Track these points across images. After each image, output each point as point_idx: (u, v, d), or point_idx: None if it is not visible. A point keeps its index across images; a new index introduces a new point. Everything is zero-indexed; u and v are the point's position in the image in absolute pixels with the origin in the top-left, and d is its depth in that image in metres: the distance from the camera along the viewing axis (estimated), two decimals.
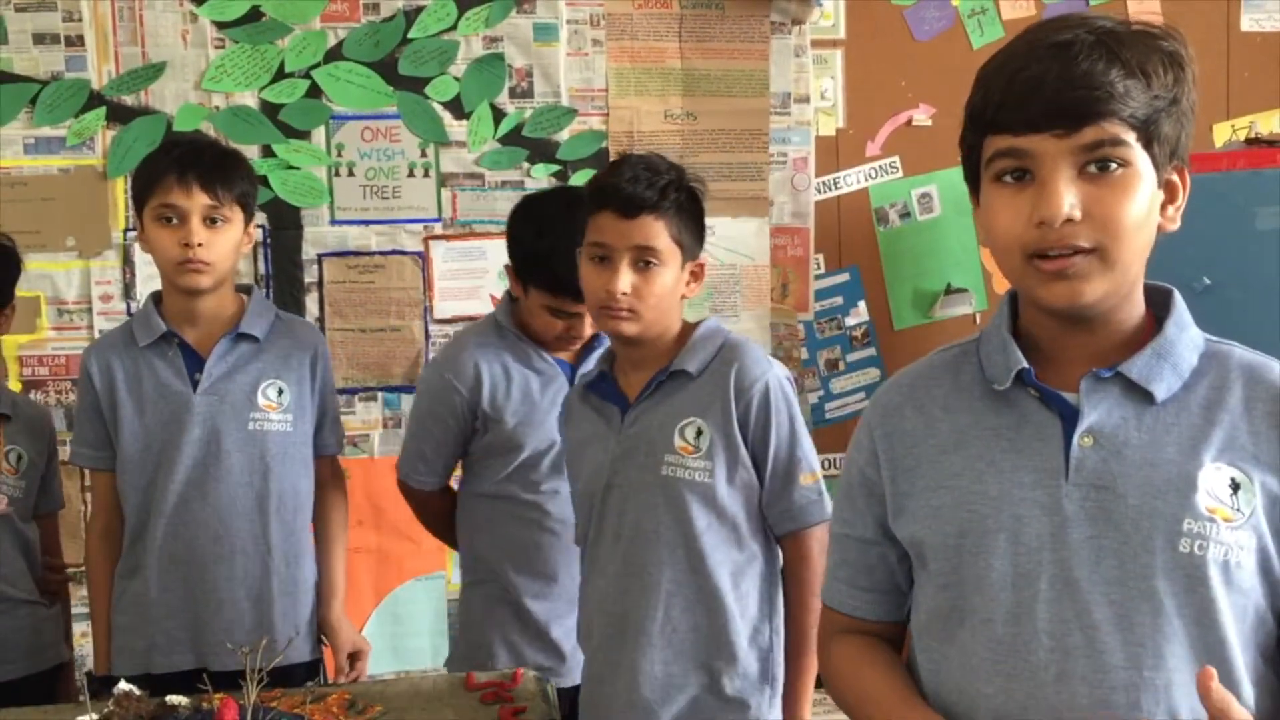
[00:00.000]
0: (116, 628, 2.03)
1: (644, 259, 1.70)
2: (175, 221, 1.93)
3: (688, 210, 1.74)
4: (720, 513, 1.72)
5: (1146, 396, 1.08)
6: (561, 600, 2.07)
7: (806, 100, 3.18)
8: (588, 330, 2.05)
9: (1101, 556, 1.05)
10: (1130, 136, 1.03)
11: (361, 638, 2.14)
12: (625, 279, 1.69)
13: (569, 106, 3.04)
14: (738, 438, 1.71)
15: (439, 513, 2.23)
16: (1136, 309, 1.12)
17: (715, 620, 1.73)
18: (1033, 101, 1.03)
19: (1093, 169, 1.03)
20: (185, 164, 1.93)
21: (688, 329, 1.79)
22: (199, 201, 1.92)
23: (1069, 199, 1.02)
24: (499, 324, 2.11)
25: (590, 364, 2.00)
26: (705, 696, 1.74)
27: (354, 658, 2.09)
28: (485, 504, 2.13)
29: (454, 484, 2.24)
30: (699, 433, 1.71)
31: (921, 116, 3.38)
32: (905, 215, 3.40)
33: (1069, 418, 1.09)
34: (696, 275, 1.79)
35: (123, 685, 1.63)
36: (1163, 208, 1.08)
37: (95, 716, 1.59)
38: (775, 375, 1.75)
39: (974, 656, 1.11)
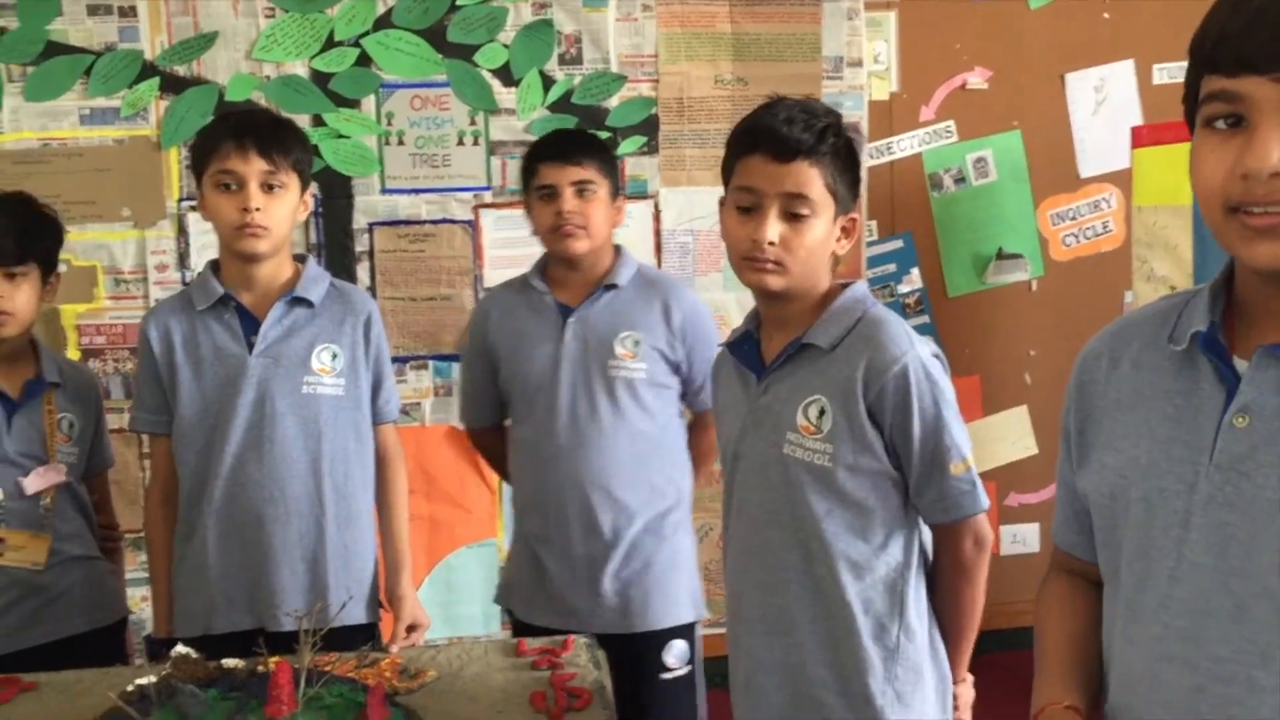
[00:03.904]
0: (176, 590, 2.06)
1: (795, 208, 1.55)
2: (234, 188, 1.96)
3: (844, 159, 1.59)
4: (842, 499, 1.56)
5: None
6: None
7: (859, 64, 3.13)
8: (572, 217, 2.16)
9: (1228, 544, 0.99)
10: None
11: (423, 612, 2.16)
12: (774, 228, 1.54)
13: (618, 73, 3.02)
14: (864, 422, 1.54)
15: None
16: None
17: (834, 612, 1.57)
18: (1251, 38, 0.92)
19: None
20: (242, 131, 1.96)
21: (832, 293, 1.62)
22: (256, 167, 1.95)
23: (1279, 151, 0.92)
24: (524, 274, 2.30)
25: (589, 307, 2.18)
26: (821, 691, 1.60)
27: (411, 629, 2.12)
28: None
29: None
30: (822, 413, 1.56)
31: (977, 80, 3.31)
32: (960, 180, 3.34)
33: (1234, 392, 1.01)
34: (848, 231, 1.62)
35: (180, 648, 1.66)
36: None
37: (153, 678, 1.61)
38: (916, 356, 1.55)
39: (1114, 615, 1.11)
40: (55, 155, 2.86)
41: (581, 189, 2.18)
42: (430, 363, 3.03)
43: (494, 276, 3.02)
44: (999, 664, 2.23)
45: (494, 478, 3.04)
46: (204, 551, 2.02)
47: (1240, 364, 1.02)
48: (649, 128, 3.04)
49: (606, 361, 2.19)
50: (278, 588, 2.01)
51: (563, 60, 3.00)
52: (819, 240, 1.57)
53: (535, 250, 3.05)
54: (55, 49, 2.84)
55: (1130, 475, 1.07)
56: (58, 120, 2.86)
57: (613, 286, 2.23)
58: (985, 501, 1.59)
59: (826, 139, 1.56)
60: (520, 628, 2.26)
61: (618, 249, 2.28)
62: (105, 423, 2.26)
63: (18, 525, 2.00)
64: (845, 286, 1.64)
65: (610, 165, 2.26)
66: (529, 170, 2.24)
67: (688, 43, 3.04)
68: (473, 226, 3.02)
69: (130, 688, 1.59)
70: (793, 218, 1.55)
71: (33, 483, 2.03)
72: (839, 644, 1.58)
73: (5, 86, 2.83)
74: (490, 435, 2.40)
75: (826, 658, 1.59)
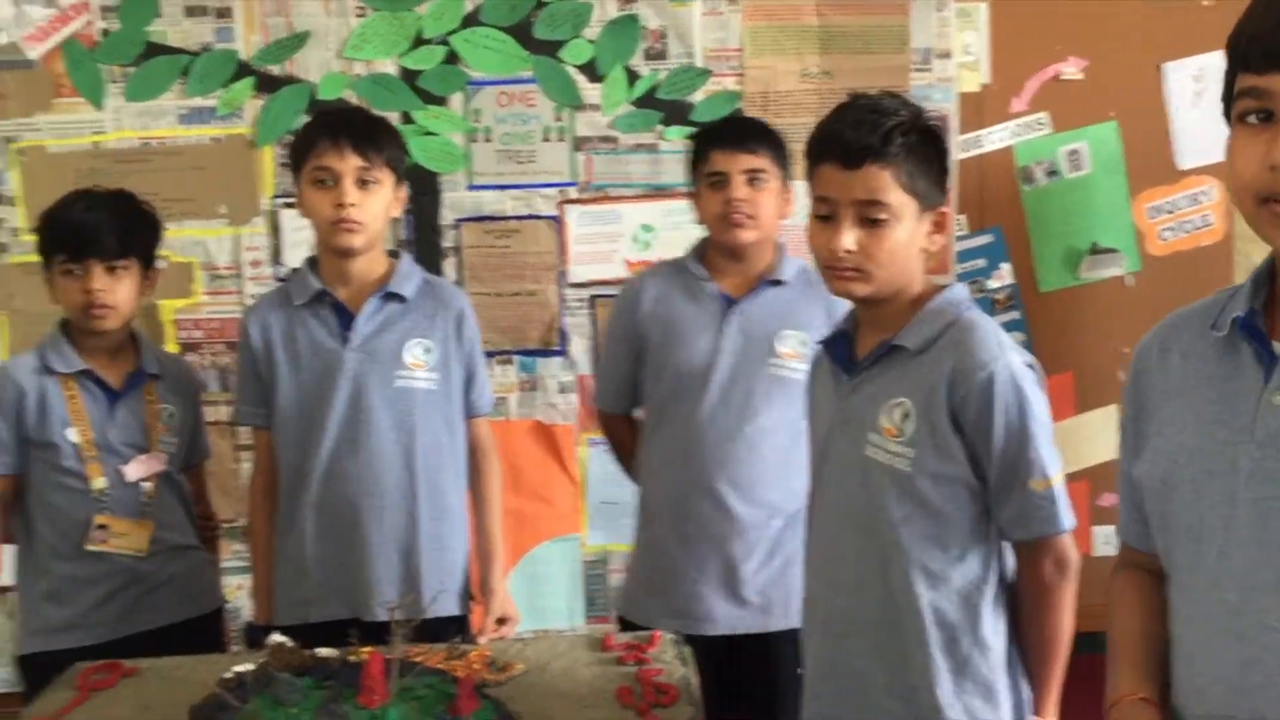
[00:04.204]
0: (277, 580, 2.11)
1: (870, 214, 1.52)
2: (329, 184, 2.00)
3: (922, 154, 1.54)
4: (922, 505, 1.52)
5: None
6: None
7: (949, 55, 3.08)
8: (741, 205, 2.11)
9: (1270, 518, 1.03)
10: None
11: (513, 606, 2.18)
12: (849, 236, 1.52)
13: (703, 67, 3.00)
14: (947, 429, 1.49)
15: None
16: None
17: (904, 619, 1.54)
18: (1277, 35, 0.98)
19: None
20: (338, 129, 2.01)
21: (927, 293, 1.59)
22: (351, 164, 1.99)
23: None
24: (681, 258, 2.26)
25: (753, 300, 2.13)
26: (883, 697, 1.56)
27: (501, 622, 2.14)
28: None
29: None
30: (905, 416, 1.52)
31: (1071, 70, 3.23)
32: (1052, 174, 3.26)
33: (1272, 373, 1.06)
34: (939, 225, 1.58)
35: (276, 637, 1.70)
36: None
37: (251, 665, 1.65)
38: (1006, 365, 1.50)
39: (1175, 599, 1.15)
40: (155, 154, 2.93)
41: (753, 177, 2.12)
42: (515, 358, 3.04)
43: (578, 273, 3.03)
44: (1096, 665, 2.17)
45: (578, 472, 3.06)
46: (302, 543, 2.07)
47: (1279, 346, 1.06)
48: None
49: (767, 359, 2.13)
50: (372, 579, 2.04)
51: (648, 55, 3.00)
52: (901, 242, 1.53)
53: (619, 245, 3.09)
54: (155, 50, 2.91)
55: (1179, 459, 1.12)
56: (157, 120, 2.93)
57: (778, 282, 2.17)
58: (1068, 522, 1.54)
59: (894, 139, 1.51)
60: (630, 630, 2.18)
61: (778, 244, 2.22)
62: (203, 415, 2.32)
63: (121, 513, 2.07)
64: (943, 288, 1.60)
65: (782, 154, 2.19)
66: (699, 155, 2.19)
67: (773, 36, 3.01)
68: (557, 222, 3.03)
69: (229, 675, 1.64)
70: (870, 223, 1.52)
71: (134, 470, 2.09)
72: (907, 652, 1.54)
73: (108, 87, 2.91)
74: (624, 424, 2.35)
75: (891, 664, 1.55)
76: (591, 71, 2.99)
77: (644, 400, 2.25)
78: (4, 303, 2.95)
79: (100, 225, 2.04)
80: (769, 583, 2.14)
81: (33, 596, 2.08)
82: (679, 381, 2.16)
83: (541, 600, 3.03)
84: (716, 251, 2.20)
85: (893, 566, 1.54)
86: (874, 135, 1.51)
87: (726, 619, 2.13)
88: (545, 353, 3.05)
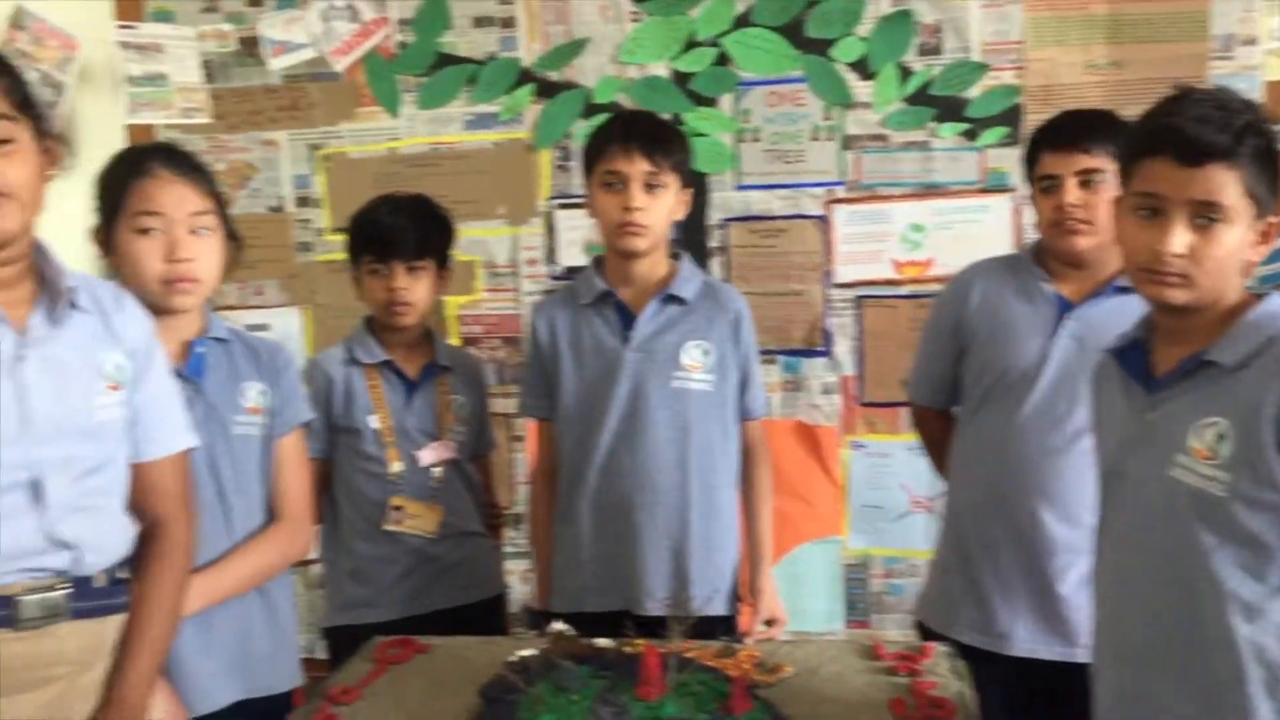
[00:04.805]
0: (554, 568, 2.20)
1: (1206, 215, 1.41)
2: (618, 187, 2.06)
3: (1266, 157, 1.42)
4: (1234, 534, 1.40)
5: None
6: None
7: (1254, 42, 2.85)
8: (1074, 211, 1.97)
9: None
10: None
11: (781, 608, 2.17)
12: (1180, 238, 1.41)
13: (980, 61, 2.91)
14: (1272, 454, 1.36)
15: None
16: None
17: (1215, 655, 1.42)
18: None
19: None
20: (628, 133, 2.07)
21: (1242, 304, 1.46)
22: (639, 168, 2.04)
23: None
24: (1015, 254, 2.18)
25: (1094, 306, 1.98)
26: None
27: (769, 623, 2.14)
28: None
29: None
30: (1220, 437, 1.40)
31: None
32: None
33: None
34: (1267, 235, 1.45)
35: (557, 625, 1.77)
36: None
37: (534, 651, 1.73)
38: None
39: None
40: (443, 158, 3.11)
41: (1087, 179, 1.96)
42: (779, 357, 3.04)
43: (844, 273, 3.00)
44: None
45: (840, 474, 3.03)
46: (579, 534, 2.14)
47: None
48: (1011, 118, 2.90)
49: None
50: (643, 573, 2.09)
51: (921, 50, 2.93)
52: (1231, 250, 1.42)
53: (887, 245, 3.03)
54: (445, 60, 3.08)
55: None
56: (445, 126, 3.11)
57: (1126, 290, 1.92)
58: None
59: (1246, 140, 1.39)
60: (929, 638, 2.07)
61: None
62: (489, 407, 2.44)
63: (414, 496, 2.20)
64: (1259, 298, 1.47)
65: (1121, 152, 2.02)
66: (1031, 158, 2.06)
67: (1057, 26, 2.88)
68: (824, 222, 3.01)
69: (514, 658, 1.72)
70: (1203, 226, 1.41)
71: (427, 455, 2.23)
72: (1220, 690, 1.41)
73: (403, 97, 3.11)
74: (937, 420, 2.25)
75: (1199, 701, 1.43)
76: (863, 69, 2.95)
77: (961, 397, 2.15)
78: (308, 298, 3.20)
79: (403, 228, 2.18)
80: (1081, 610, 1.93)
81: (337, 573, 2.25)
82: (1000, 383, 2.04)
83: (800, 602, 3.02)
84: (1052, 255, 2.06)
85: (1202, 597, 1.42)
86: (1224, 133, 1.39)
87: (1026, 640, 2.01)
88: (809, 353, 3.03)
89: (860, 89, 2.96)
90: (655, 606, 2.03)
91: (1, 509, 1.41)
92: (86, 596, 1.49)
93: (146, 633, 1.55)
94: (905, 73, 2.93)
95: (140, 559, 1.57)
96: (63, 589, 1.46)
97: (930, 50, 2.93)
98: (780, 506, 3.01)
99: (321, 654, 2.36)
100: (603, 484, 2.11)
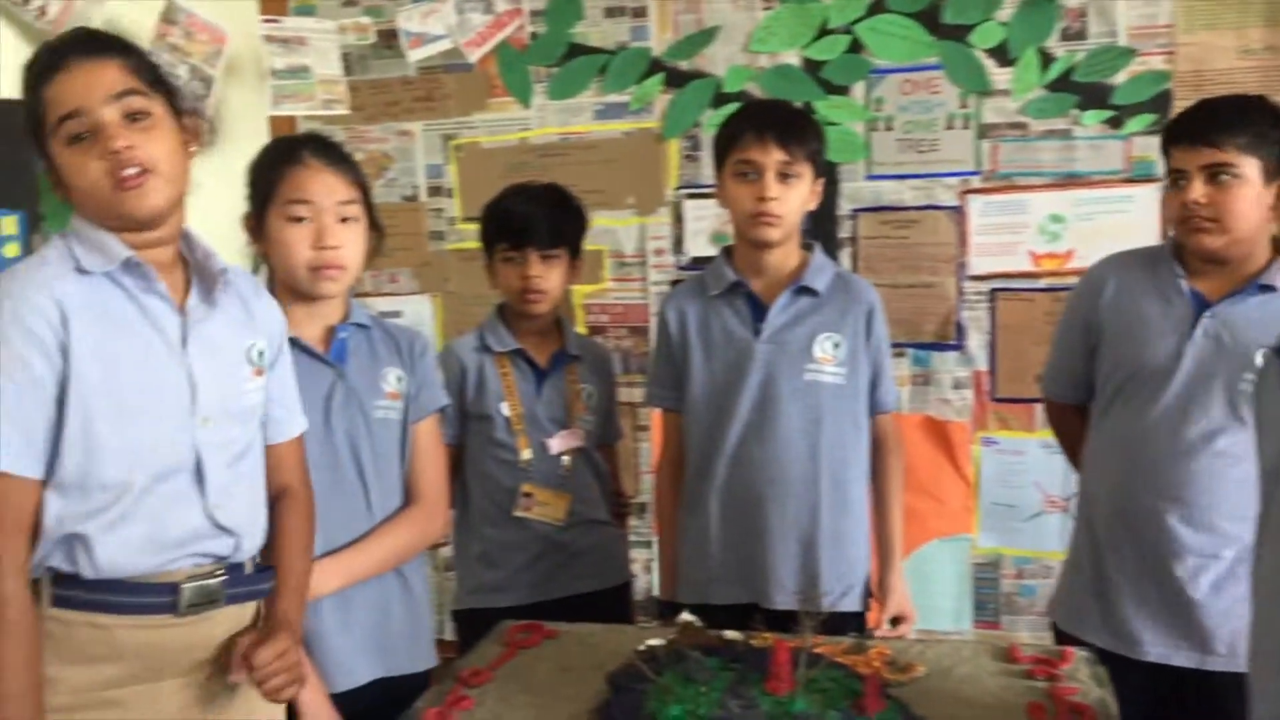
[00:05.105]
0: (681, 558, 2.20)
1: None
2: (752, 176, 2.04)
3: None
4: None
5: None
6: None
7: None
8: (1198, 209, 1.88)
9: None
10: None
11: (910, 605, 2.14)
12: None
13: (1127, 46, 2.80)
14: None
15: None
16: None
17: None
18: None
19: None
20: (762, 123, 2.04)
21: None
22: (774, 158, 2.02)
23: None
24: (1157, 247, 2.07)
25: (1233, 305, 1.89)
26: None
27: (897, 620, 2.11)
28: None
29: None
30: None
31: None
32: None
33: None
34: None
35: (685, 615, 1.76)
36: None
37: (662, 640, 1.72)
38: None
39: None
40: (573, 148, 3.13)
41: (1215, 173, 1.86)
42: (909, 350, 2.99)
43: (979, 264, 2.93)
44: None
45: (970, 470, 2.96)
46: (707, 525, 2.14)
47: None
48: (1160, 104, 2.79)
49: (1241, 372, 1.87)
50: (771, 566, 2.08)
51: (1065, 35, 2.83)
52: None
53: (1023, 237, 2.94)
54: (576, 50, 3.10)
55: None
56: (575, 116, 3.12)
57: (1271, 288, 1.90)
58: None
59: None
60: (1062, 638, 2.07)
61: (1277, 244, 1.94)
62: (617, 397, 2.45)
63: (543, 483, 2.23)
64: None
65: (1264, 143, 1.87)
66: (1164, 150, 1.98)
67: (1210, 9, 2.75)
68: (958, 212, 2.93)
69: (642, 647, 1.72)
70: None
71: (557, 443, 2.25)
72: None
73: (534, 87, 3.14)
74: (1070, 415, 2.19)
75: None
76: (1002, 55, 2.87)
77: (1095, 393, 2.09)
78: (439, 285, 3.26)
79: (537, 217, 2.20)
80: (1214, 617, 1.91)
81: (467, 558, 2.29)
82: (1132, 381, 1.98)
83: (927, 600, 2.95)
84: (1189, 251, 1.98)
85: None
86: None
87: (1158, 646, 1.95)
88: (940, 346, 2.97)
89: (999, 76, 2.88)
90: (784, 600, 2.01)
91: (170, 492, 1.45)
92: (239, 583, 1.54)
93: (293, 568, 1.61)
94: (1047, 59, 2.84)
95: (271, 515, 1.63)
96: (219, 575, 1.51)
97: (1074, 35, 2.83)
98: (908, 501, 2.95)
99: (450, 636, 2.40)
100: (732, 476, 2.10)
